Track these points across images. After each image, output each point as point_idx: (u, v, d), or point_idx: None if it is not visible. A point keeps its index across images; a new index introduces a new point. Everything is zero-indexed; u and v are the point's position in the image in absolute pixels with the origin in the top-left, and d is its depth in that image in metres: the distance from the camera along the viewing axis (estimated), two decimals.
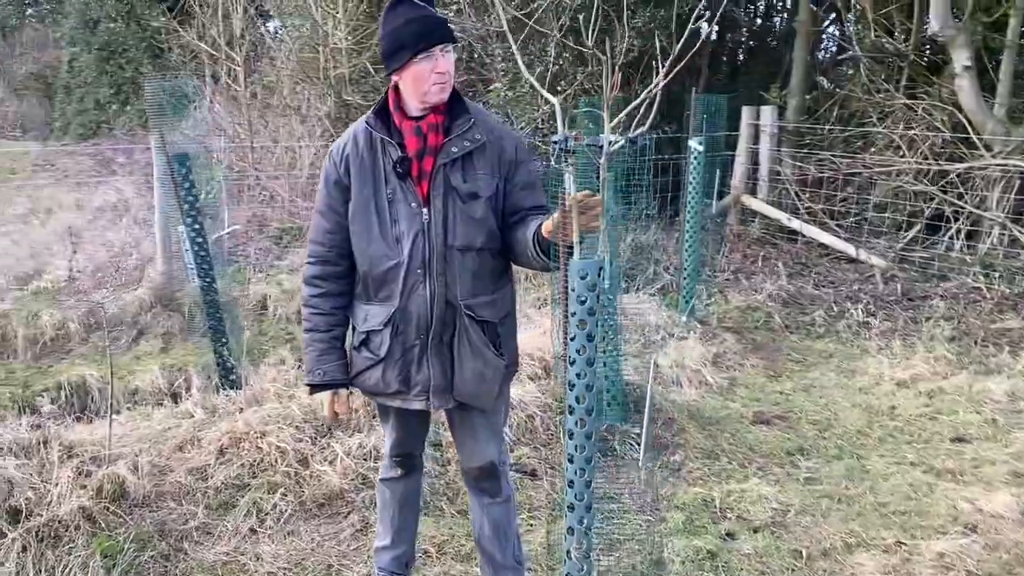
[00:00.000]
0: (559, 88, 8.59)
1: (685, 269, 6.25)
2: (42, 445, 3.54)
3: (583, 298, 2.31)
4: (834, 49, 10.70)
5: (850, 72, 9.56)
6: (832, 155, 8.38)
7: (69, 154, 16.72)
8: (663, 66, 2.19)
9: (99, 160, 15.42)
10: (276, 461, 3.79)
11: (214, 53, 11.88)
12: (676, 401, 4.93)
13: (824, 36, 10.57)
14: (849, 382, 5.49)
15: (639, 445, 4.38)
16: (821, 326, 6.48)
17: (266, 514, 3.59)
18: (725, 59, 11.90)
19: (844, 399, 5.21)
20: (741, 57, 12.36)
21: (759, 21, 12.44)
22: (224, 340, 4.47)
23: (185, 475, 3.71)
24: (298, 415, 3.99)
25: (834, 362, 5.86)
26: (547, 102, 4.15)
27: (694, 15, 2.24)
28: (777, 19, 12.44)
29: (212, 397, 4.42)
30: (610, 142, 2.22)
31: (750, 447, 4.52)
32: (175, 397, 4.81)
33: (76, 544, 3.21)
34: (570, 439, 2.46)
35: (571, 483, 2.52)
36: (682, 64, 2.23)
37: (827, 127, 8.67)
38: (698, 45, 2.36)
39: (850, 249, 7.82)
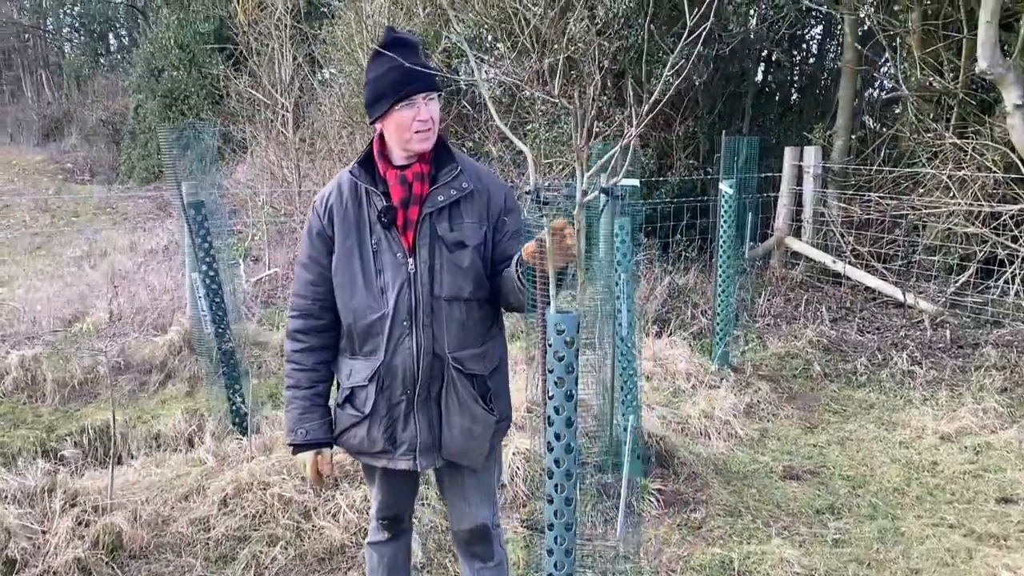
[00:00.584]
0: (596, 130, 8.52)
1: (719, 314, 6.07)
2: (46, 493, 3.54)
3: (561, 354, 2.20)
4: (882, 89, 10.44)
5: (898, 111, 9.30)
6: (879, 196, 8.13)
7: (130, 197, 17.26)
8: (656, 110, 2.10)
9: (158, 203, 15.88)
10: (278, 513, 3.72)
11: (266, 100, 12.16)
12: (701, 454, 4.74)
13: (872, 75, 10.34)
14: (889, 435, 5.23)
15: (659, 501, 4.20)
16: (863, 374, 6.21)
17: (265, 568, 3.52)
18: (777, 99, 11.70)
19: (882, 453, 4.95)
20: (793, 97, 12.15)
21: (811, 61, 12.25)
22: (238, 386, 4.46)
23: (187, 525, 3.67)
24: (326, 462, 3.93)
25: (874, 413, 5.59)
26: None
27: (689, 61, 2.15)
28: (829, 58, 12.24)
29: (225, 444, 4.39)
30: (584, 192, 2.12)
31: (777, 504, 4.30)
32: (192, 443, 4.80)
33: None
34: (548, 504, 2.34)
35: (550, 551, 2.39)
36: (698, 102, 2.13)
37: (874, 167, 8.43)
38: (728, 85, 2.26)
39: (898, 293, 7.53)
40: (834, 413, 5.61)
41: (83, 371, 5.48)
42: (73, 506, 3.50)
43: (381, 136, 2.53)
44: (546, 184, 2.15)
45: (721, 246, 5.93)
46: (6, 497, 3.46)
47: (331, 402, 2.63)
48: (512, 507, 4.12)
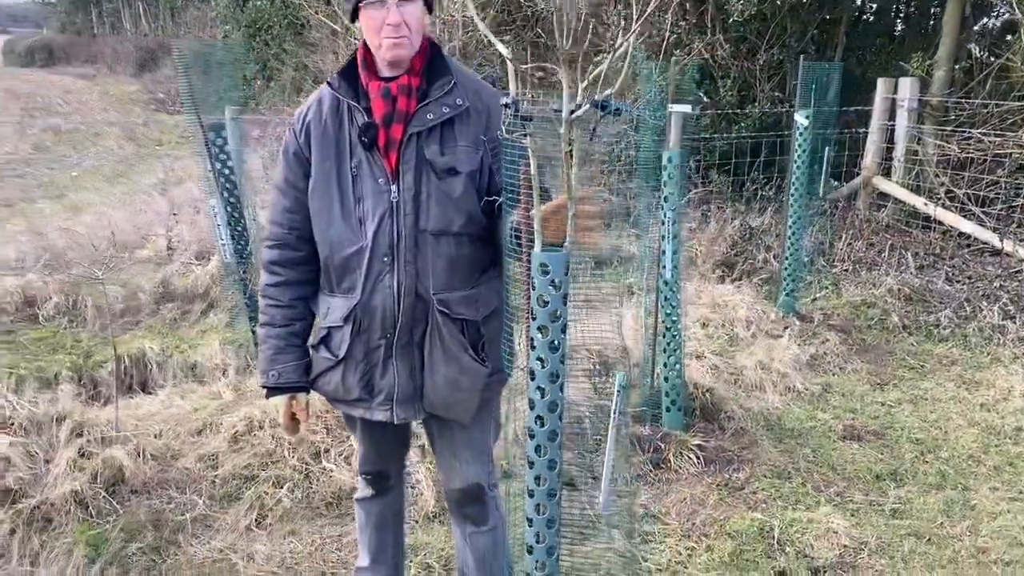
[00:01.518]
0: (674, 55, 7.97)
1: (787, 257, 5.61)
2: (55, 422, 3.45)
3: (545, 298, 1.89)
4: (995, 15, 9.47)
5: (1010, 39, 8.42)
6: (982, 132, 7.38)
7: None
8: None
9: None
10: (288, 453, 3.56)
11: (338, 29, 11.92)
12: (752, 409, 4.37)
13: (987, 1, 9.38)
14: (969, 395, 4.73)
15: (699, 458, 3.88)
16: (946, 327, 5.67)
17: (269, 510, 3.36)
18: (877, 28, 10.77)
19: (959, 415, 4.48)
20: (897, 28, 11.18)
21: None
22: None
23: (195, 462, 3.54)
24: (318, 403, 3.74)
25: (955, 371, 5.08)
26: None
27: None
28: None
29: (247, 379, 4.25)
30: (571, 109, 1.77)
31: (832, 467, 3.92)
32: (227, 375, 4.69)
33: (64, 531, 3.09)
34: (529, 467, 2.06)
35: (530, 520, 2.11)
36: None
37: (978, 101, 7.66)
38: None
39: (995, 239, 6.86)
40: (909, 369, 5.12)
41: (124, 298, 5.42)
42: (79, 436, 3.41)
43: (366, 43, 2.22)
44: (527, 96, 1.81)
45: (793, 183, 5.43)
46: (12, 424, 3.38)
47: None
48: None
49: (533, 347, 1.93)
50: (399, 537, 2.75)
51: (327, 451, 3.58)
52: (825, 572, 3.13)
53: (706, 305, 5.44)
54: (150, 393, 4.41)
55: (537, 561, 2.10)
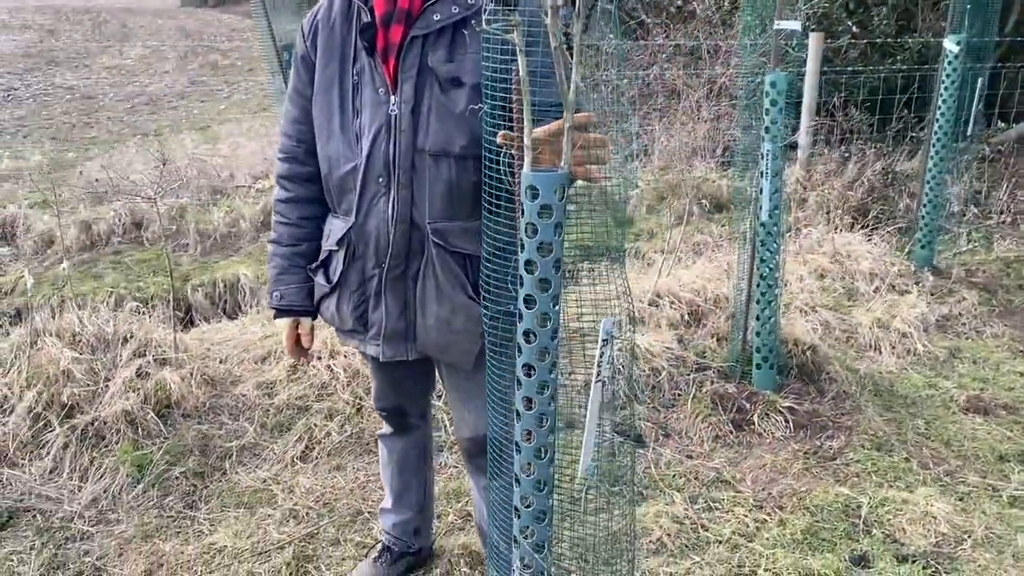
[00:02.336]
0: None
1: (925, 204, 4.97)
2: (121, 341, 3.47)
3: (535, 228, 1.61)
4: None
5: None
6: None
7: None
8: None
9: None
10: (342, 386, 3.45)
11: None
12: (860, 371, 3.90)
13: None
14: None
15: (788, 422, 3.49)
16: None
17: (318, 443, 3.27)
18: None
19: None
20: None
21: None
22: None
23: (253, 389, 3.49)
24: None
25: None
26: None
27: None
28: None
29: None
30: None
31: (946, 442, 3.43)
32: None
33: (115, 449, 3.10)
34: (516, 453, 1.79)
35: (517, 511, 1.86)
36: None
37: None
38: None
39: None
40: None
41: (226, 224, 5.48)
42: (141, 357, 3.41)
43: None
44: None
45: (936, 120, 4.78)
46: (80, 341, 3.42)
47: None
48: (610, 408, 3.58)
49: (522, 285, 1.66)
50: (424, 480, 2.57)
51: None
52: (914, 562, 2.72)
53: (827, 254, 4.92)
54: (232, 318, 4.42)
55: (522, 559, 1.84)
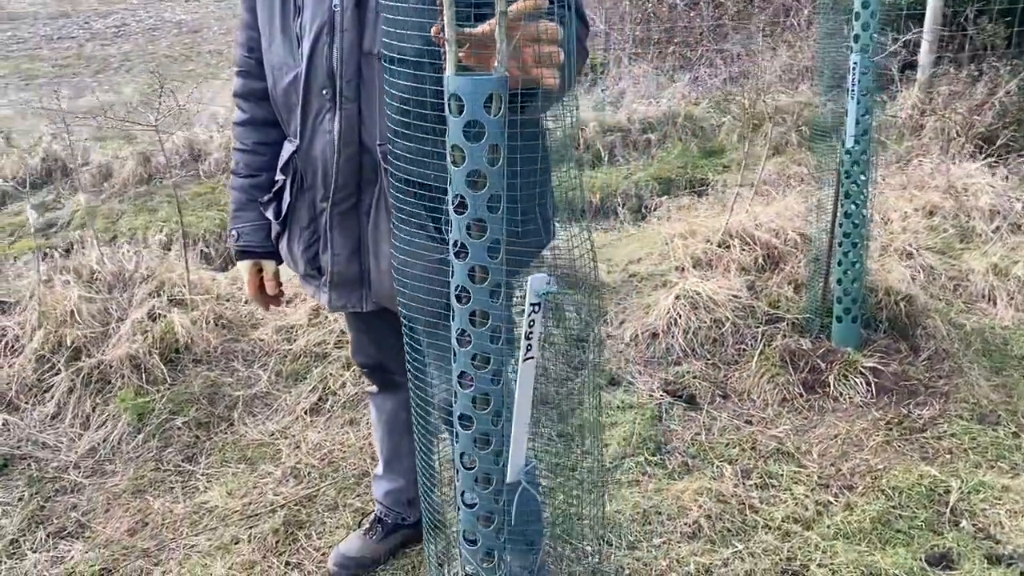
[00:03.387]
0: None
1: None
2: (139, 281, 3.29)
3: (463, 153, 1.21)
4: None
5: None
6: None
7: None
8: None
9: None
10: None
11: None
12: (965, 327, 3.32)
13: None
14: None
15: (870, 385, 2.98)
16: None
17: (330, 393, 3.01)
18: None
19: None
20: None
21: None
22: None
23: (272, 333, 3.25)
24: None
25: None
26: None
27: None
28: None
29: None
30: None
31: None
32: None
33: (116, 396, 2.93)
34: (456, 442, 1.41)
35: (459, 510, 1.49)
36: None
37: None
38: None
39: None
40: None
41: None
42: (157, 297, 3.22)
43: None
44: None
45: None
46: (97, 279, 3.25)
47: None
48: (660, 364, 3.17)
49: (461, 257, 1.27)
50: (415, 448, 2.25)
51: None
52: (1010, 564, 2.23)
53: (939, 188, 4.26)
54: None
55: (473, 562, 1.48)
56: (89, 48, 12.80)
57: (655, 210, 4.88)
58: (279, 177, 1.77)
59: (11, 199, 4.94)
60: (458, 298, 1.28)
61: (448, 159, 1.24)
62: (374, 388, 2.18)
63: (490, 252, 1.25)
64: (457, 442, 1.39)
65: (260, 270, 1.92)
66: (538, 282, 1.15)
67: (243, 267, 1.92)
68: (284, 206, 1.76)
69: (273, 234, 1.84)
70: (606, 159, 5.59)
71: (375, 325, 1.97)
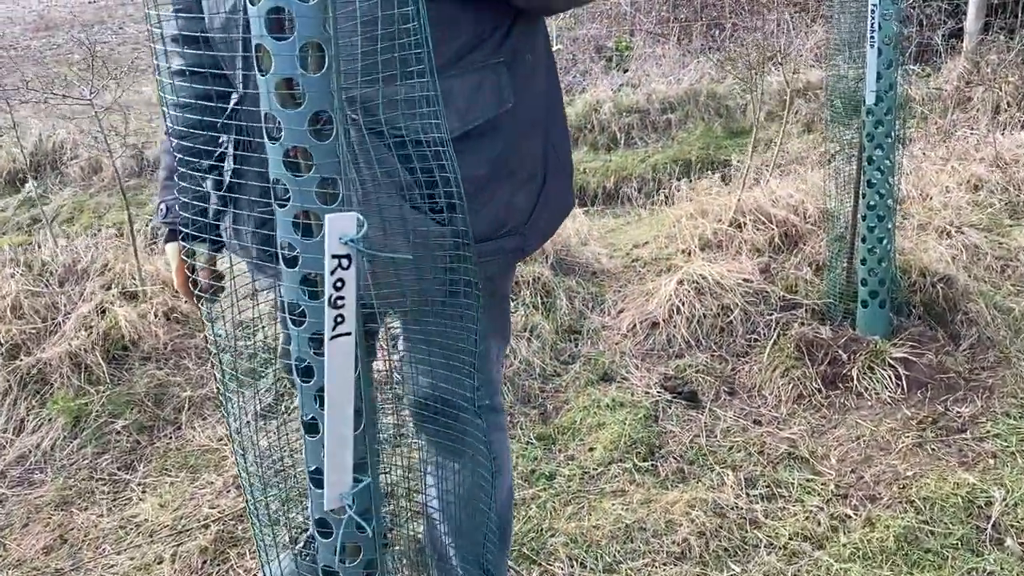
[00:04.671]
0: None
1: None
2: (97, 274, 3.03)
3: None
4: None
5: None
6: None
7: None
8: None
9: None
10: None
11: None
12: (1013, 311, 2.90)
13: None
14: None
15: (901, 379, 2.59)
16: None
17: (290, 393, 2.71)
18: None
19: None
20: None
21: None
22: None
23: (231, 328, 2.96)
24: None
25: None
26: None
27: None
28: None
29: None
30: None
31: None
32: None
33: (53, 397, 2.66)
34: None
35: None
36: None
37: None
38: None
39: None
40: None
41: None
42: (108, 290, 2.95)
43: None
44: None
45: None
46: (49, 272, 3.01)
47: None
48: (660, 357, 2.80)
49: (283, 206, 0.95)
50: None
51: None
52: None
53: (985, 160, 3.82)
54: None
55: None
56: (119, 52, 12.79)
57: (674, 194, 4.50)
58: (221, 138, 1.41)
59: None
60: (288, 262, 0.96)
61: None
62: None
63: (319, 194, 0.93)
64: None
65: (193, 254, 1.58)
66: (342, 223, 0.81)
67: (171, 251, 1.59)
68: (227, 175, 1.40)
69: (213, 212, 1.48)
70: (622, 142, 5.22)
71: None
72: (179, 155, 1.48)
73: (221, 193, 1.42)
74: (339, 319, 0.82)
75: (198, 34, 1.44)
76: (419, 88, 1.22)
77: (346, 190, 0.92)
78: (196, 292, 1.57)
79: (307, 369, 0.93)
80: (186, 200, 1.48)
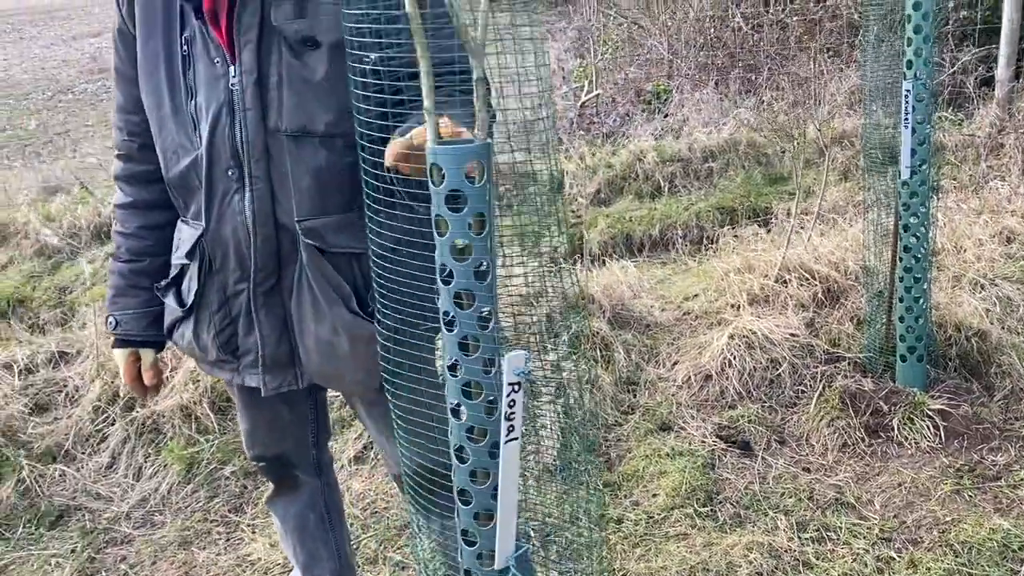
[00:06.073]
0: None
1: None
2: None
3: (446, 223, 1.17)
4: None
5: None
6: None
7: None
8: None
9: None
10: None
11: None
12: None
13: None
14: None
15: (938, 429, 2.81)
16: None
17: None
18: None
19: None
20: None
21: None
22: None
23: None
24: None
25: None
26: None
27: None
28: None
29: None
30: None
31: None
32: None
33: (166, 446, 2.97)
34: (459, 507, 1.35)
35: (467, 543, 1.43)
36: None
37: None
38: None
39: None
40: None
41: None
42: None
43: None
44: None
45: None
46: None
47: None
48: (713, 407, 3.05)
49: (450, 328, 1.22)
50: (336, 546, 2.08)
51: None
52: None
53: (1018, 213, 4.03)
54: None
55: None
56: None
57: (716, 242, 4.76)
58: (183, 261, 1.67)
59: (87, 248, 5.13)
60: (451, 369, 1.24)
61: (436, 226, 1.20)
62: (270, 486, 2.05)
63: (480, 322, 1.21)
64: (459, 518, 1.33)
65: (138, 359, 1.81)
66: (516, 360, 1.09)
67: (119, 356, 1.81)
68: (191, 292, 1.67)
69: (170, 320, 1.75)
70: (666, 190, 5.48)
71: (278, 410, 1.85)
72: (128, 277, 1.75)
73: (183, 308, 1.68)
74: (511, 428, 1.10)
75: (148, 176, 1.70)
76: (347, 218, 1.55)
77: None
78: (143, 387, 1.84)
79: (484, 472, 1.21)
80: (136, 313, 1.75)
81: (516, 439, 1.12)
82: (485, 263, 1.20)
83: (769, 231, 4.72)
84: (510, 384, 1.09)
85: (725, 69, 7.60)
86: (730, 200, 5.24)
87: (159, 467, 2.92)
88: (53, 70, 16.30)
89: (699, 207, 5.18)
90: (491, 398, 1.24)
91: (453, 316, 1.21)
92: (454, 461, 1.29)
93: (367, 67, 1.23)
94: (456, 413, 1.26)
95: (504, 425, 1.11)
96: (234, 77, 1.50)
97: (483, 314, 1.20)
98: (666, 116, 7.12)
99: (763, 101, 6.95)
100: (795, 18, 7.75)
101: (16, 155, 9.89)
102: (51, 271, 4.92)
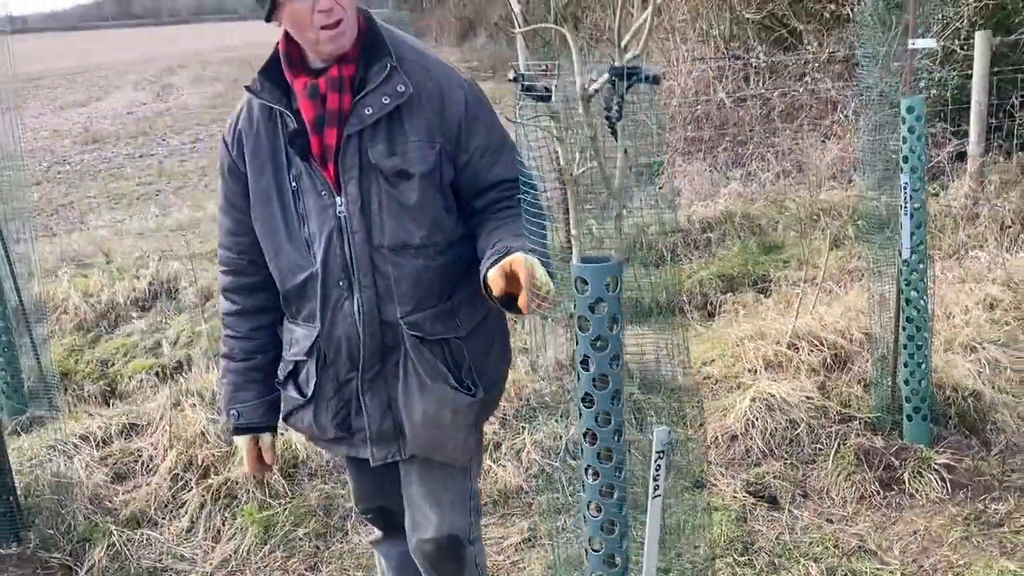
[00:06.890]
0: None
1: None
2: None
3: (587, 320, 1.49)
4: None
5: None
6: None
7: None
8: None
9: None
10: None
11: None
12: None
13: None
14: None
15: (944, 481, 3.14)
16: None
17: None
18: None
19: None
20: None
21: None
22: None
23: None
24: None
25: None
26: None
27: None
28: None
29: None
30: (615, 78, 1.35)
31: None
32: None
33: (242, 510, 3.22)
34: (591, 552, 1.65)
35: None
36: None
37: None
38: None
39: None
40: None
41: None
42: None
43: (287, 33, 1.88)
44: (533, 68, 1.42)
45: None
46: (218, 400, 3.59)
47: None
48: (741, 465, 3.36)
49: (579, 379, 1.55)
50: None
51: (499, 445, 3.40)
52: None
53: (998, 281, 4.44)
54: None
55: None
56: (168, 164, 13.65)
57: (720, 307, 5.12)
58: (300, 358, 1.98)
59: (122, 321, 5.38)
60: (589, 437, 1.56)
61: (578, 325, 1.52)
62: (379, 535, 2.36)
63: (612, 399, 1.53)
64: (590, 555, 1.63)
65: (257, 442, 2.12)
66: (663, 434, 1.41)
67: (242, 443, 2.11)
68: (310, 384, 1.98)
69: (289, 408, 2.05)
70: (669, 259, 5.86)
71: (379, 472, 2.12)
72: (243, 374, 2.05)
73: (304, 398, 2.00)
74: (656, 488, 1.41)
75: (253, 287, 2.02)
76: (442, 309, 1.92)
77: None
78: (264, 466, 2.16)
79: (611, 524, 1.51)
80: (255, 404, 2.07)
81: (660, 496, 1.43)
82: (617, 353, 1.52)
83: (768, 296, 5.09)
84: (658, 452, 1.41)
85: (713, 141, 8.08)
86: (729, 268, 5.62)
87: (236, 530, 3.15)
88: (46, 140, 16.62)
89: (701, 275, 5.55)
90: (620, 459, 1.56)
91: (592, 396, 1.53)
92: (587, 516, 1.60)
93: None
94: (592, 473, 1.57)
95: (651, 484, 1.42)
96: (341, 206, 1.85)
97: (615, 393, 1.53)
98: (660, 188, 7.55)
99: (750, 173, 7.42)
100: (776, 93, 8.29)
101: (26, 227, 10.14)
102: (91, 344, 5.16)
